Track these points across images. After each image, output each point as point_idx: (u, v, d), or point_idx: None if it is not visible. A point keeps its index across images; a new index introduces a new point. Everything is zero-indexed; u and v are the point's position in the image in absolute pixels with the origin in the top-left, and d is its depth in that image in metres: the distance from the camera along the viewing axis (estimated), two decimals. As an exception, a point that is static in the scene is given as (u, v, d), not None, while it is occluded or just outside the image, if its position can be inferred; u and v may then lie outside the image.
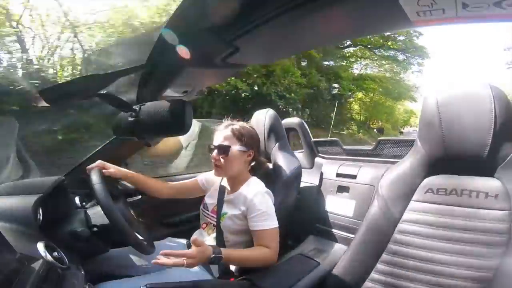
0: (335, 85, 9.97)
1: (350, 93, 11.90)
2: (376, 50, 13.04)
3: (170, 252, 0.76)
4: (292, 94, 7.44)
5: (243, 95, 6.31)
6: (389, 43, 12.64)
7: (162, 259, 0.74)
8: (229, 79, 6.05)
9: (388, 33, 11.67)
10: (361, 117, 14.10)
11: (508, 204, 0.65)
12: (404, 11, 0.40)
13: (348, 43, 12.11)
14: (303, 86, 8.08)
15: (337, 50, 11.63)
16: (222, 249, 0.84)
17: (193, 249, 0.78)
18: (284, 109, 7.23)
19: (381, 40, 12.35)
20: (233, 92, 6.14)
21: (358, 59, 13.42)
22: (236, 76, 6.15)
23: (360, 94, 13.03)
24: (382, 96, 13.92)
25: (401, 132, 17.22)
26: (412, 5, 0.38)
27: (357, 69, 13.46)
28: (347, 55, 12.76)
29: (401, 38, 12.70)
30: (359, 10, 0.45)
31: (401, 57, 13.64)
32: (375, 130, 14.13)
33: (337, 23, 0.52)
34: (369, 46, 12.72)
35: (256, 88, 6.32)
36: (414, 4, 0.38)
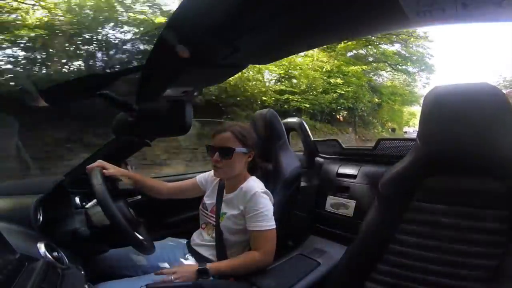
0: (376, 98, 14.62)
1: (385, 103, 15.76)
2: (393, 66, 15.44)
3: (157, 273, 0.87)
4: (365, 108, 13.60)
5: (337, 108, 11.80)
6: (408, 63, 15.17)
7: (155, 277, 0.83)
8: (327, 97, 10.67)
9: (408, 55, 14.60)
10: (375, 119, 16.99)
11: (508, 204, 0.65)
12: (404, 11, 0.39)
13: (371, 58, 14.62)
14: (368, 101, 13.81)
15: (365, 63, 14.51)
16: (208, 263, 0.89)
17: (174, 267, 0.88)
18: (357, 116, 13.54)
19: (400, 59, 14.89)
20: (334, 106, 11.49)
21: (374, 70, 15.58)
22: (340, 97, 11.20)
23: (389, 104, 16.18)
24: (400, 103, 17.01)
25: (405, 132, 18.98)
26: (412, 5, 0.38)
27: (376, 80, 15.87)
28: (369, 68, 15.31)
29: (414, 57, 15.10)
30: (359, 10, 0.45)
31: (411, 70, 16.16)
32: (389, 129, 17.19)
33: (337, 23, 0.52)
34: (387, 62, 15.06)
35: (351, 105, 12.04)
36: (414, 4, 0.38)
